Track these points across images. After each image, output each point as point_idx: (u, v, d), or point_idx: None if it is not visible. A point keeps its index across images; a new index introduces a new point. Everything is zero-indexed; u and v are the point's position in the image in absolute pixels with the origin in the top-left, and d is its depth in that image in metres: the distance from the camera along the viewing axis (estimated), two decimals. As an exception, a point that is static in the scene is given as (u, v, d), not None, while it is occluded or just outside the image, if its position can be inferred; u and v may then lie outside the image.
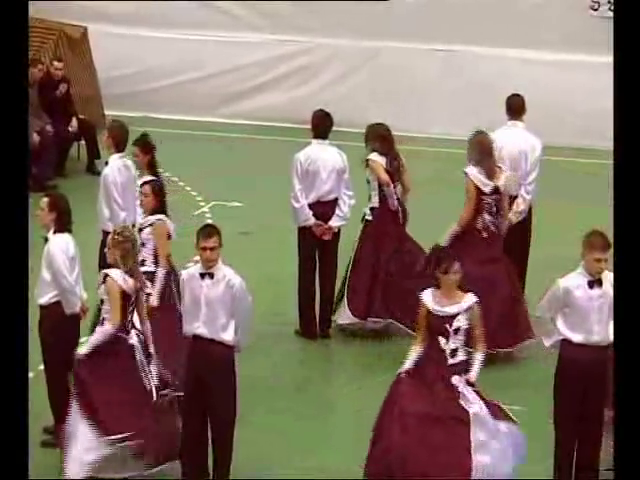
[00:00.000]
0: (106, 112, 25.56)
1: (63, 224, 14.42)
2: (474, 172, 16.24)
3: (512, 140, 17.63)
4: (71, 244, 14.49)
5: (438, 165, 23.68)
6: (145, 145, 16.65)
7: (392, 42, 26.23)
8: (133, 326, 13.82)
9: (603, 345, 12.99)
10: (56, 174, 22.69)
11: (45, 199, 14.63)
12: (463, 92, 25.80)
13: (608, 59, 23.60)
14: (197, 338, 13.27)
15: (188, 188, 22.48)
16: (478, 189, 16.35)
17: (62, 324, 14.22)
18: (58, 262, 14.26)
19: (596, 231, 13.30)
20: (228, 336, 13.32)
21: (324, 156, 17.39)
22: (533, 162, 17.50)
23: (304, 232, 17.28)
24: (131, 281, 13.57)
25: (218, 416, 13.34)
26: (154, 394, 13.63)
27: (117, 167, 16.51)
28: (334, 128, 17.89)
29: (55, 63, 23.72)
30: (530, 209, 17.70)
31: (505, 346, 17.04)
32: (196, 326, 13.27)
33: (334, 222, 17.31)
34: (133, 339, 13.70)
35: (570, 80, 25.45)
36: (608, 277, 12.97)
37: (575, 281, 13.05)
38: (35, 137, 22.69)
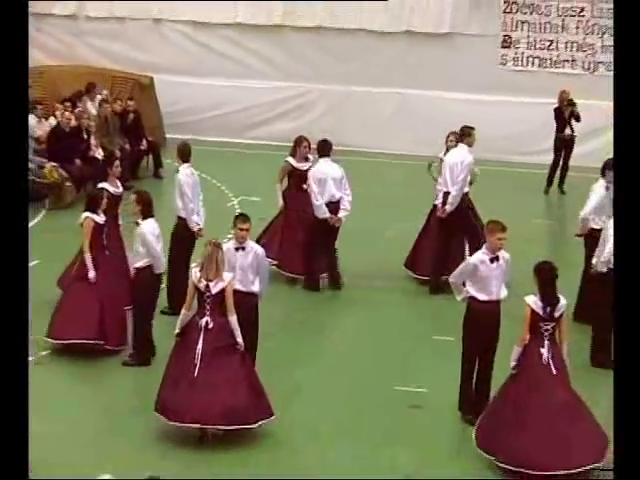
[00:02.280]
0: (166, 135, 25.96)
1: (148, 212, 14.50)
2: None
3: (455, 155, 17.45)
4: (156, 225, 14.59)
5: (396, 172, 24.03)
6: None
7: (361, 87, 26.04)
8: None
9: (497, 300, 12.92)
10: (132, 178, 22.70)
11: (133, 195, 14.75)
12: (413, 122, 25.66)
13: (516, 99, 24.61)
14: (235, 291, 12.90)
15: (223, 188, 22.48)
16: None
17: (150, 280, 14.44)
18: (149, 238, 14.32)
19: (493, 220, 13.21)
20: (255, 288, 13.49)
21: (329, 169, 17.49)
22: (463, 168, 17.32)
23: (321, 222, 17.34)
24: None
25: (247, 342, 12.75)
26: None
27: (186, 173, 16.35)
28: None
29: (129, 102, 24.29)
30: (465, 196, 17.47)
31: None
32: (234, 283, 12.98)
33: (341, 214, 17.44)
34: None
35: (490, 112, 24.90)
36: (503, 254, 12.97)
37: (480, 258, 12.94)
38: (117, 152, 23.21)
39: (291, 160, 17.85)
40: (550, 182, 23.13)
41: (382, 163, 24.71)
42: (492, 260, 12.86)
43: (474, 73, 25.50)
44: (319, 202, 17.26)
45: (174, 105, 26.39)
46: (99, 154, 22.28)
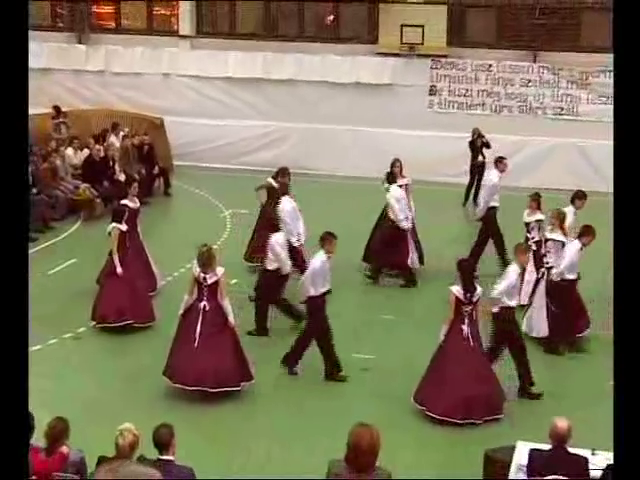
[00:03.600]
0: (174, 163, 25.73)
1: (275, 228, 14.77)
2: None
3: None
4: (282, 239, 14.65)
5: (351, 189, 24.01)
6: None
7: (323, 125, 25.62)
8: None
9: (515, 305, 12.73)
10: (147, 195, 22.11)
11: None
12: (365, 152, 25.14)
13: (441, 134, 24.69)
14: (326, 292, 13.22)
15: (217, 202, 22.27)
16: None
17: (280, 280, 14.58)
18: (278, 251, 14.51)
19: (521, 243, 13.43)
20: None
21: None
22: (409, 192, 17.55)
23: None
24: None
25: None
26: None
27: (288, 201, 16.21)
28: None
29: (145, 137, 24.19)
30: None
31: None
32: (327, 285, 13.26)
33: None
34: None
35: (421, 144, 24.59)
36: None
37: (515, 273, 12.66)
38: (136, 176, 23.15)
39: (271, 180, 17.76)
40: (467, 197, 23.19)
41: (340, 183, 24.63)
42: (522, 274, 12.73)
43: (409, 114, 25.28)
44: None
45: (179, 139, 25.98)
46: (122, 177, 22.32)
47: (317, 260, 13.24)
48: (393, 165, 17.88)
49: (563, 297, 14.39)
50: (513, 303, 12.68)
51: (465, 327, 12.16)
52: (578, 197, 16.16)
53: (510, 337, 12.81)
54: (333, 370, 13.29)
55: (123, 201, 15.93)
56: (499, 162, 18.22)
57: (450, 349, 12.21)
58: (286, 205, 16.17)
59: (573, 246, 14.36)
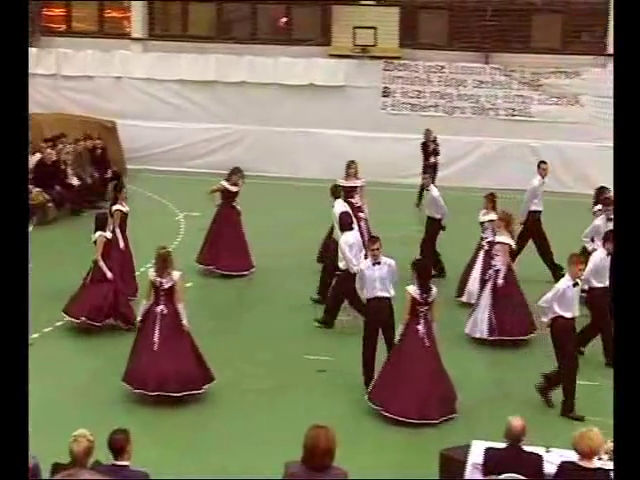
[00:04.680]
0: (127, 166, 25.59)
1: (349, 225, 14.67)
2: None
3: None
4: (351, 238, 14.50)
5: (303, 191, 24.09)
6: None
7: (276, 128, 25.71)
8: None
9: (573, 317, 12.37)
10: (101, 199, 22.24)
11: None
12: (317, 154, 25.30)
13: (394, 135, 24.81)
14: (377, 298, 12.84)
15: (170, 205, 22.29)
16: None
17: (349, 278, 14.16)
18: (344, 249, 14.35)
19: (575, 253, 13.11)
20: (390, 293, 12.85)
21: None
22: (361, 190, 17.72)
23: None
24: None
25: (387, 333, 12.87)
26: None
27: (340, 205, 16.01)
28: (250, 173, 17.91)
29: (97, 141, 24.03)
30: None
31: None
32: (376, 291, 12.83)
33: None
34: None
35: (374, 146, 24.76)
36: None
37: (565, 283, 12.36)
38: (89, 180, 23.04)
39: (225, 183, 17.77)
40: (420, 198, 23.24)
41: (294, 185, 24.65)
42: (574, 285, 12.40)
43: (362, 116, 25.39)
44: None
45: (132, 143, 25.96)
46: (74, 181, 22.28)
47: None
48: (349, 166, 17.91)
49: (593, 305, 14.12)
50: (567, 314, 12.38)
51: (421, 327, 12.19)
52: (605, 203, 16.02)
53: (562, 348, 12.57)
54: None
55: (115, 206, 15.87)
56: (539, 166, 18.17)
57: (406, 349, 12.24)
58: (339, 208, 15.97)
59: (598, 254, 14.01)
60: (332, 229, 17.71)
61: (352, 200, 17.66)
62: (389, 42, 25.33)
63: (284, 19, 27.06)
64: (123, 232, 15.94)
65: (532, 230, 17.69)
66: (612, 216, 15.53)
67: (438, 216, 17.44)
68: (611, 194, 16.73)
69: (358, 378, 13.03)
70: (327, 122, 25.63)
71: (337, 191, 16.54)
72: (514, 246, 14.83)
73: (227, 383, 13.05)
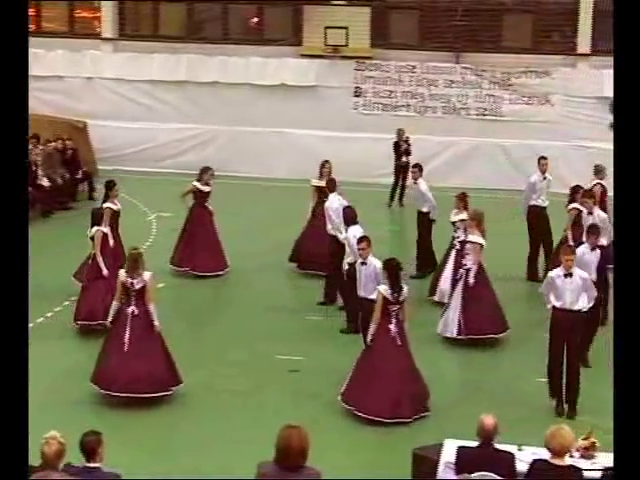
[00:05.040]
0: (98, 167, 25.39)
1: (353, 219, 14.54)
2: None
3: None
4: (357, 232, 14.20)
5: (275, 191, 24.12)
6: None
7: (247, 128, 25.53)
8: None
9: (573, 309, 12.34)
10: (71, 200, 22.48)
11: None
12: (289, 154, 25.26)
13: (366, 135, 24.86)
14: (361, 298, 13.01)
15: (142, 206, 22.09)
16: None
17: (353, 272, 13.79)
18: (352, 243, 14.08)
19: (567, 244, 13.24)
20: (373, 296, 12.60)
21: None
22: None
23: None
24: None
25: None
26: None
27: (336, 199, 16.11)
28: (222, 173, 17.86)
29: (68, 141, 23.93)
30: None
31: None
32: (360, 291, 12.99)
33: None
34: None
35: (346, 146, 24.62)
36: (576, 270, 12.34)
37: (557, 273, 12.40)
38: (59, 180, 22.93)
39: (197, 184, 17.72)
40: (392, 198, 23.32)
41: (266, 185, 24.59)
42: (566, 275, 12.33)
43: (334, 116, 25.37)
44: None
45: (103, 143, 25.81)
46: (45, 182, 22.15)
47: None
48: (322, 166, 17.92)
49: None
50: (557, 303, 12.40)
51: (392, 326, 12.21)
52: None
53: (549, 336, 12.65)
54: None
55: (106, 204, 15.83)
56: (539, 161, 18.31)
57: (378, 349, 12.24)
58: (333, 202, 16.00)
59: (581, 248, 13.81)
60: (307, 228, 17.81)
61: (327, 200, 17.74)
62: (360, 42, 25.34)
63: (255, 19, 27.03)
64: (114, 230, 15.86)
65: (532, 224, 17.83)
66: (593, 210, 15.81)
67: (425, 209, 17.45)
68: (595, 188, 16.95)
69: (331, 378, 13.03)
70: (299, 122, 25.57)
71: (332, 185, 16.51)
72: (485, 245, 14.83)
73: (200, 384, 13.02)
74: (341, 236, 15.34)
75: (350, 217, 14.84)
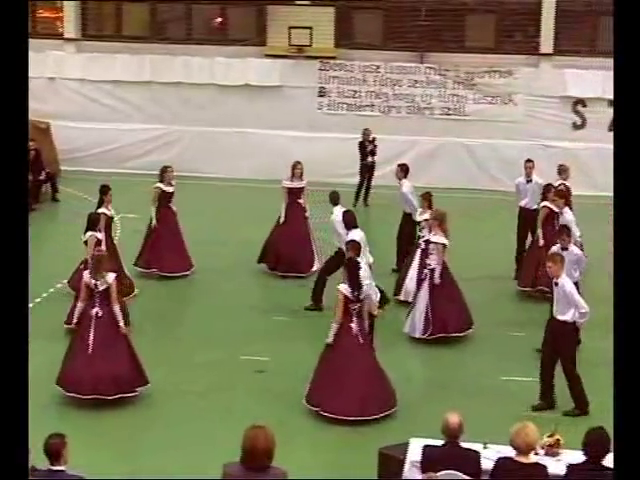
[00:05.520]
0: (61, 168, 25.27)
1: (353, 223, 14.36)
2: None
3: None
4: (357, 236, 14.14)
5: (239, 191, 24.09)
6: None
7: (211, 128, 25.43)
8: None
9: (558, 319, 12.16)
10: (34, 202, 22.02)
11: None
12: (253, 155, 25.24)
13: (330, 135, 24.89)
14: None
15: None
16: None
17: None
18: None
19: (551, 252, 13.14)
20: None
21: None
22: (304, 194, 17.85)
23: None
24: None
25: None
26: None
27: (340, 212, 15.44)
28: (187, 174, 17.78)
29: (31, 142, 23.66)
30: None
31: None
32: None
33: None
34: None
35: (311, 146, 24.61)
36: (562, 281, 12.12)
37: (554, 280, 12.20)
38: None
39: (160, 185, 17.65)
40: (357, 198, 23.34)
41: (231, 185, 24.53)
42: (555, 284, 12.24)
43: (299, 116, 25.37)
44: None
45: (67, 144, 25.65)
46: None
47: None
48: (294, 167, 17.88)
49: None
50: (564, 317, 12.19)
51: (354, 325, 12.21)
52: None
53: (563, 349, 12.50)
54: None
55: (100, 209, 15.82)
56: (524, 164, 18.33)
57: (340, 347, 12.22)
58: (339, 215, 15.65)
59: (554, 249, 13.82)
60: (280, 230, 17.76)
61: (300, 201, 17.84)
62: (325, 42, 25.36)
63: (219, 19, 26.95)
64: (108, 236, 15.83)
65: (518, 225, 17.85)
66: (562, 209, 15.93)
67: (408, 210, 17.47)
68: (559, 188, 17.09)
69: (297, 378, 12.98)
70: (263, 122, 25.55)
71: (336, 197, 16.21)
72: (448, 245, 14.87)
73: (165, 384, 12.98)
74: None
75: (350, 221, 14.84)
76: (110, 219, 16.10)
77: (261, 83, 25.78)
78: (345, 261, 12.66)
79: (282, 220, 17.71)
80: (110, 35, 27.07)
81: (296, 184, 17.85)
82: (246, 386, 13.20)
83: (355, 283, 12.23)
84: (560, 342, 12.40)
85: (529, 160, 18.58)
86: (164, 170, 17.75)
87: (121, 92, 26.35)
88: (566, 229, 14.29)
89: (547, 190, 16.86)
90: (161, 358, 13.76)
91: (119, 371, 12.30)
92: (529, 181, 18.13)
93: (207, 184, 24.13)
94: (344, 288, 12.23)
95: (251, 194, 23.42)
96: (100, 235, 15.14)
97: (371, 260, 14.62)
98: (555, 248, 13.96)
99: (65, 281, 16.24)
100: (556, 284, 12.29)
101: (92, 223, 15.12)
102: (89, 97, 26.49)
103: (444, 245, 14.74)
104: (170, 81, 26.03)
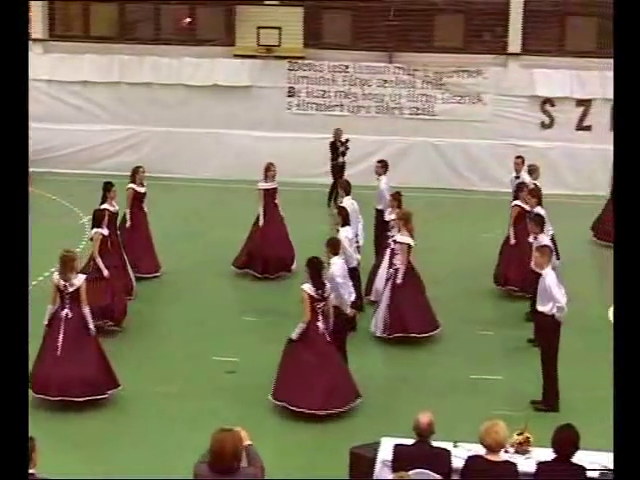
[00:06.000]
0: (29, 169, 25.25)
1: (345, 220, 14.18)
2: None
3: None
4: (350, 234, 14.39)
5: (210, 192, 24.08)
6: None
7: (181, 128, 25.60)
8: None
9: (537, 310, 12.31)
10: None
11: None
12: (225, 156, 25.26)
13: (300, 135, 24.90)
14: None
15: (75, 209, 21.71)
16: None
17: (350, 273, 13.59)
18: (346, 244, 13.99)
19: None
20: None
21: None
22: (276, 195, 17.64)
23: None
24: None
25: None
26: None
27: (350, 202, 15.87)
28: (157, 175, 17.78)
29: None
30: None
31: None
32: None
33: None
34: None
35: (281, 146, 24.67)
36: (545, 272, 12.16)
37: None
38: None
39: (132, 185, 17.58)
40: (330, 198, 23.28)
41: (201, 186, 24.52)
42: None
43: (268, 116, 25.46)
44: None
45: (35, 145, 25.35)
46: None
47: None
48: (267, 169, 17.81)
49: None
50: (542, 308, 12.27)
51: (320, 324, 12.27)
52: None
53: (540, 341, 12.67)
54: None
55: (103, 205, 15.79)
56: (514, 160, 18.50)
57: (305, 344, 12.26)
58: (348, 205, 15.80)
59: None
60: (254, 233, 17.65)
61: (276, 201, 17.80)
62: (293, 42, 25.41)
63: (188, 19, 26.85)
64: (112, 232, 15.79)
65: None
66: (535, 208, 15.93)
67: (380, 207, 17.49)
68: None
69: (267, 379, 12.93)
70: (233, 122, 25.58)
71: (346, 215, 15.44)
72: (413, 245, 14.89)
73: (135, 387, 12.92)
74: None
75: (343, 217, 14.87)
76: (114, 215, 16.07)
77: (230, 83, 25.79)
78: (307, 260, 12.63)
79: (261, 223, 17.64)
80: (78, 36, 26.97)
81: (271, 185, 17.78)
82: (217, 387, 13.15)
83: (318, 282, 12.25)
84: (539, 333, 12.55)
85: (518, 156, 18.80)
86: (136, 171, 17.66)
87: (89, 93, 26.32)
88: (537, 218, 14.33)
89: (519, 189, 16.93)
90: (130, 360, 13.71)
91: (88, 373, 12.23)
92: (517, 177, 18.30)
93: (176, 184, 24.10)
94: (308, 287, 12.24)
95: (220, 194, 23.43)
96: (106, 232, 15.10)
97: (359, 257, 14.97)
98: (531, 239, 14.06)
99: (34, 283, 16.14)
100: (540, 275, 12.35)
101: (97, 220, 15.11)
102: (57, 98, 26.37)
103: (409, 245, 14.74)
104: (139, 81, 26.06)
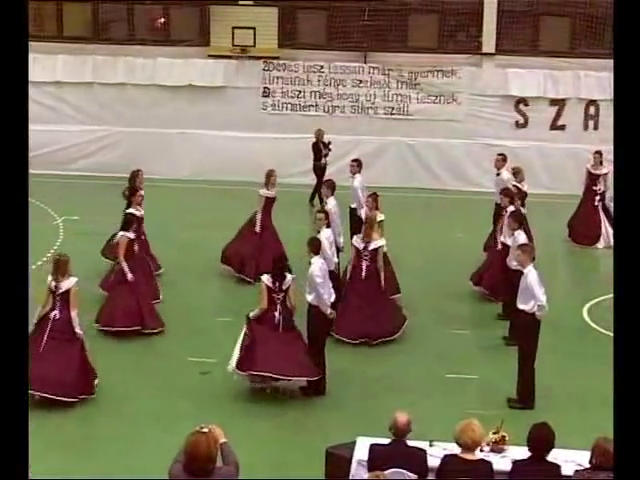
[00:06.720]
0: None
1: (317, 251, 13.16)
2: None
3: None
4: (330, 236, 14.48)
5: (184, 192, 24.01)
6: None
7: (156, 128, 25.30)
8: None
9: (518, 307, 12.30)
10: None
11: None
12: (197, 155, 25.23)
13: (275, 135, 24.87)
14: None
15: (49, 210, 21.52)
16: None
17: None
18: (325, 246, 13.88)
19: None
20: (308, 298, 12.79)
21: None
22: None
23: None
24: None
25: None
26: None
27: (334, 204, 15.95)
28: (127, 175, 17.67)
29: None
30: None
31: None
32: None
33: None
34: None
35: (256, 146, 24.65)
36: (526, 270, 12.16)
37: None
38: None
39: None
40: (313, 197, 23.19)
41: (175, 187, 24.41)
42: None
43: (243, 116, 25.35)
44: None
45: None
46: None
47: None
48: (269, 175, 17.64)
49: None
50: (524, 306, 12.27)
51: (277, 314, 12.67)
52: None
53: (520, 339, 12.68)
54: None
55: (130, 210, 15.79)
56: (513, 171, 18.43)
57: (262, 325, 12.65)
58: (333, 206, 15.95)
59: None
60: (248, 239, 17.53)
61: (272, 209, 17.65)
62: (268, 42, 25.39)
63: (162, 20, 26.80)
64: (139, 237, 15.74)
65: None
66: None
67: (354, 205, 17.46)
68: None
69: (241, 379, 13.00)
70: (207, 123, 25.52)
71: (333, 187, 16.41)
72: (385, 248, 14.88)
73: (112, 388, 12.90)
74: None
75: (326, 220, 14.86)
76: (140, 219, 16.01)
77: (204, 84, 25.73)
78: (274, 256, 13.15)
79: (258, 229, 17.50)
80: (51, 36, 26.65)
81: (273, 192, 17.62)
82: (192, 388, 13.12)
83: (278, 275, 12.69)
84: (518, 332, 12.62)
85: (500, 154, 18.87)
86: (136, 174, 17.47)
87: (63, 93, 26.18)
88: (516, 215, 14.36)
89: (503, 188, 16.95)
90: (105, 361, 13.61)
91: (65, 374, 12.28)
92: (498, 175, 18.42)
93: (151, 185, 23.69)
94: (266, 279, 12.75)
95: (195, 195, 23.33)
96: (132, 235, 15.08)
97: (337, 260, 15.10)
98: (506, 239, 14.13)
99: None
100: (522, 273, 12.35)
101: (126, 223, 15.14)
102: (30, 99, 25.90)
103: (376, 249, 14.78)
104: (113, 82, 25.92)
